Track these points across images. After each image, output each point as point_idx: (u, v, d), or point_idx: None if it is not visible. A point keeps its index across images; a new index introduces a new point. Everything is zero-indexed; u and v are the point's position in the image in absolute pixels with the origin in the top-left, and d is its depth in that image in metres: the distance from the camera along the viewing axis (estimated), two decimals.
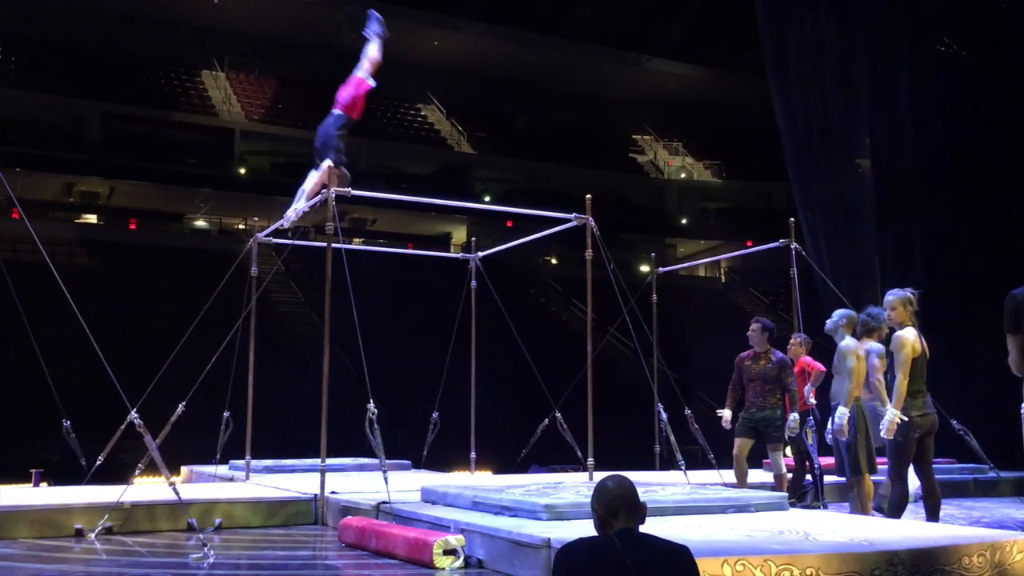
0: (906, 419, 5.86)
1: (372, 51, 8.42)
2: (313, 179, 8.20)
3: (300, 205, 8.30)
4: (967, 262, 12.01)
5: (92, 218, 26.40)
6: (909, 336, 5.98)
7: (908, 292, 6.24)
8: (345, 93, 8.32)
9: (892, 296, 6.23)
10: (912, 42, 13.38)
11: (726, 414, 8.11)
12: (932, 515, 6.22)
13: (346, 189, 7.79)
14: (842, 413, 6.03)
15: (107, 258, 22.66)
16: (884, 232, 13.12)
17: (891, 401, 5.92)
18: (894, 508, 6.13)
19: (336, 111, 8.29)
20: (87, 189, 25.99)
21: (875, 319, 7.21)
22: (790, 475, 8.46)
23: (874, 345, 7.10)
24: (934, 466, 9.56)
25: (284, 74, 29.61)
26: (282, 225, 8.66)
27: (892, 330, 6.63)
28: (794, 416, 7.75)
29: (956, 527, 6.15)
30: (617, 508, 2.77)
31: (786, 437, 7.84)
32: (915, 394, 5.93)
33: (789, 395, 7.81)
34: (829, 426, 6.10)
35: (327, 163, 7.99)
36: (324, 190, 7.88)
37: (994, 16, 13.05)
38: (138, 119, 25.85)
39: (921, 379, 5.98)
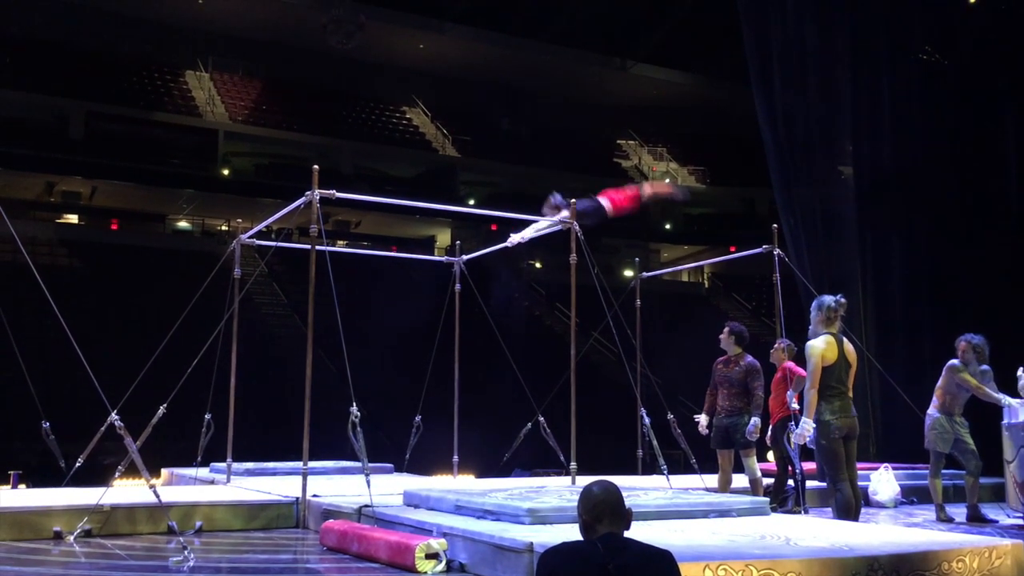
0: (813, 424, 5.96)
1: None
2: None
3: (528, 232, 8.92)
4: (947, 269, 12.09)
5: (73, 218, 26.22)
6: (819, 346, 6.07)
7: (829, 300, 6.25)
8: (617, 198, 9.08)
9: (814, 305, 6.29)
10: (894, 51, 13.47)
11: (703, 419, 8.20)
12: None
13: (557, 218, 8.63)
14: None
15: (88, 258, 22.51)
16: (865, 239, 13.19)
17: (803, 412, 6.05)
18: (842, 512, 6.09)
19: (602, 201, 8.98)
20: (69, 189, 25.81)
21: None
22: (769, 480, 8.49)
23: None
24: (915, 471, 9.70)
25: (268, 75, 29.54)
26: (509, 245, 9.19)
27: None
28: (755, 420, 7.75)
29: (936, 532, 6.18)
30: (602, 513, 2.78)
31: (751, 440, 7.83)
32: (830, 398, 6.03)
33: (752, 398, 7.82)
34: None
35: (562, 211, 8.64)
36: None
37: (975, 26, 13.17)
38: (121, 119, 25.68)
39: (841, 383, 6.09)
